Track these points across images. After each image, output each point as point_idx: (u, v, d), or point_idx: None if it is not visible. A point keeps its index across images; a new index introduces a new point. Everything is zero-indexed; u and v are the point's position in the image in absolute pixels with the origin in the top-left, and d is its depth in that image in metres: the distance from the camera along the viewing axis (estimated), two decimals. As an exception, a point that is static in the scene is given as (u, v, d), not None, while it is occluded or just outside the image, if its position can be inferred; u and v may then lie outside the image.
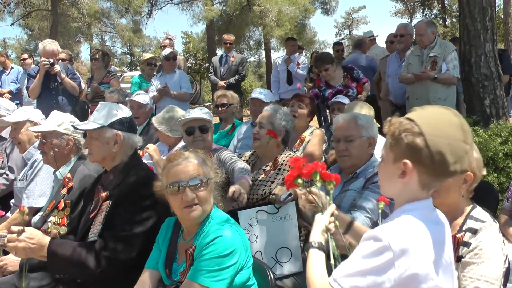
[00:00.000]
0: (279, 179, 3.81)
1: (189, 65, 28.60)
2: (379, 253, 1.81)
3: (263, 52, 33.16)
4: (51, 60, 7.28)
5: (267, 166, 4.01)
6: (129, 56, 47.43)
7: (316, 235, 2.06)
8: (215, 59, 10.08)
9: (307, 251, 2.01)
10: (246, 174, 3.79)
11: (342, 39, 48.04)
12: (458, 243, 2.58)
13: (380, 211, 2.77)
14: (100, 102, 3.45)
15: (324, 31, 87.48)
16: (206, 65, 27.21)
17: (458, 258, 2.54)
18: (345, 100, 6.00)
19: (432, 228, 1.92)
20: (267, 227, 3.41)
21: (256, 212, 3.43)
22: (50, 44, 7.61)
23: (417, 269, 1.81)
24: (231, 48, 10.02)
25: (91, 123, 3.21)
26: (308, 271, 1.95)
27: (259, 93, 5.98)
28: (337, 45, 11.38)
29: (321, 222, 2.11)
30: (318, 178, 2.22)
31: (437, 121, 1.93)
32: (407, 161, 1.91)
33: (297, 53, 10.24)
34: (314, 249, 2.01)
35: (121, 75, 9.81)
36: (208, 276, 2.38)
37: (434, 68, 6.34)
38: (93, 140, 3.19)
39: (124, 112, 3.31)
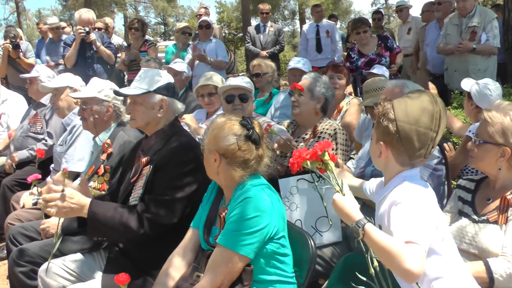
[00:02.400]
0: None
1: (223, 34, 28.51)
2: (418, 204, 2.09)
3: (298, 22, 32.81)
4: (87, 29, 7.29)
5: (306, 134, 3.96)
6: (163, 26, 47.39)
7: (358, 214, 2.06)
8: (252, 29, 10.00)
9: (358, 233, 2.00)
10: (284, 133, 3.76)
11: (379, 8, 47.17)
12: (507, 205, 2.62)
13: None
14: (143, 68, 3.43)
15: (360, 0, 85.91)
16: (241, 34, 26.98)
17: (507, 220, 2.58)
18: (380, 71, 5.88)
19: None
20: (307, 196, 3.37)
21: (297, 180, 3.39)
22: (86, 13, 7.64)
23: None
24: (268, 17, 9.90)
25: (136, 88, 3.18)
26: (379, 243, 1.95)
27: (297, 62, 5.92)
28: (376, 14, 11.13)
29: (351, 201, 2.13)
30: (326, 157, 2.17)
31: (411, 108, 2.17)
32: (382, 143, 2.23)
33: (325, 21, 10.08)
34: (368, 224, 2.00)
35: (155, 45, 9.77)
36: (234, 239, 2.37)
37: (474, 38, 6.16)
38: (138, 105, 3.16)
39: (167, 77, 3.29)
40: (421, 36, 7.93)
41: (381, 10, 43.88)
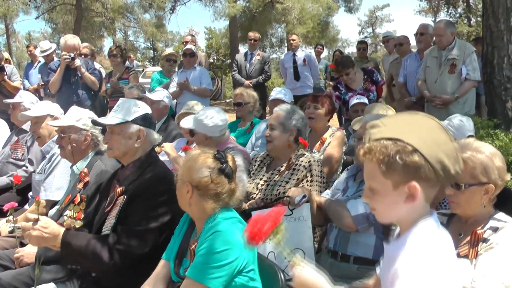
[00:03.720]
0: (293, 179, 3.82)
1: (212, 61, 28.68)
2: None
3: (286, 50, 33.13)
4: (72, 54, 7.34)
5: (282, 166, 4.01)
6: (152, 51, 47.63)
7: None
8: (239, 56, 10.08)
9: None
10: None
11: (366, 37, 47.73)
12: (478, 239, 2.63)
13: None
14: (121, 98, 3.48)
15: (348, 29, 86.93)
16: (229, 61, 27.24)
17: (477, 254, 2.59)
18: (366, 101, 5.99)
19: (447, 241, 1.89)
20: (281, 228, 3.42)
21: (269, 213, 3.43)
22: (72, 39, 7.73)
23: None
24: (256, 45, 9.98)
25: (114, 118, 3.23)
26: None
27: (278, 92, 6.00)
28: (361, 44, 11.30)
29: (313, 275, 2.01)
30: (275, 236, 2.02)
31: (418, 131, 1.82)
32: (414, 182, 1.77)
33: (301, 50, 10.44)
34: None
35: (143, 69, 9.89)
36: (204, 272, 2.39)
37: (453, 71, 6.23)
38: (115, 135, 3.21)
39: (145, 108, 3.34)
40: (394, 69, 8.08)
41: (368, 38, 44.46)
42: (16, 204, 3.98)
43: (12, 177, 5.26)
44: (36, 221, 2.86)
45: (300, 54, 10.11)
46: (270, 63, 10.39)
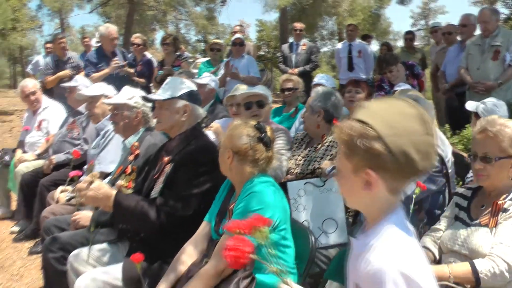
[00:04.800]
0: (327, 155, 4.02)
1: (262, 53, 28.87)
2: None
3: (336, 42, 32.98)
4: (122, 63, 7.87)
5: (318, 144, 4.25)
6: (203, 43, 48.17)
7: None
8: (285, 47, 10.17)
9: None
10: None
11: (418, 29, 46.86)
12: (498, 210, 2.79)
13: (414, 196, 3.02)
14: (169, 77, 3.76)
15: (400, 21, 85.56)
16: (279, 53, 27.37)
17: (497, 223, 2.75)
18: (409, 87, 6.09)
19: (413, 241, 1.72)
20: (313, 199, 3.65)
21: (304, 184, 3.67)
22: (109, 28, 8.20)
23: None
24: (301, 35, 10.03)
25: (163, 94, 3.52)
26: None
27: (320, 78, 6.21)
28: (408, 34, 11.18)
29: None
30: (260, 235, 1.90)
31: (392, 117, 1.68)
32: (370, 170, 1.67)
33: (358, 40, 10.28)
34: None
35: (193, 61, 10.14)
36: None
37: (497, 57, 6.26)
38: (164, 110, 3.49)
39: (191, 85, 3.61)
40: (438, 59, 8.05)
41: (421, 31, 43.46)
42: (81, 173, 4.31)
43: (68, 154, 5.68)
44: (90, 183, 3.17)
45: (356, 45, 10.04)
46: (318, 53, 10.40)
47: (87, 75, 7.84)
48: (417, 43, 14.68)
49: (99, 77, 7.64)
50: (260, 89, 4.61)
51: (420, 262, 1.64)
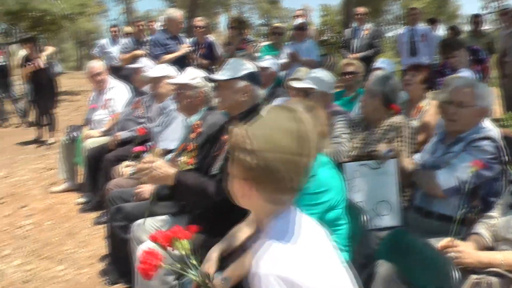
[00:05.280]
0: (384, 139, 4.09)
1: (326, 38, 28.67)
2: None
3: (402, 27, 32.32)
4: (192, 48, 8.28)
5: (375, 128, 4.29)
6: (266, 27, 48.23)
7: None
8: (348, 32, 10.08)
9: None
10: None
11: (489, 13, 45.18)
12: None
13: (470, 173, 3.10)
14: (231, 59, 3.88)
15: (470, 4, 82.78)
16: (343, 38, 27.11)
17: None
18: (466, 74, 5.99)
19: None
20: (368, 180, 3.71)
21: (360, 165, 3.73)
22: (175, 12, 8.60)
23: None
24: (364, 20, 9.81)
25: (224, 74, 3.63)
26: None
27: (381, 62, 6.21)
28: (475, 17, 10.73)
29: None
30: (180, 246, 1.94)
31: (270, 132, 1.68)
32: (244, 182, 1.71)
33: (420, 24, 10.07)
34: None
35: (256, 45, 10.25)
36: (302, 209, 2.69)
37: None
38: (225, 90, 3.61)
39: (251, 67, 3.71)
40: (507, 43, 7.82)
41: (492, 14, 41.82)
42: (145, 148, 4.50)
43: (132, 132, 5.93)
44: (151, 162, 3.33)
45: (419, 29, 9.80)
46: (381, 38, 10.24)
47: (155, 56, 8.12)
48: (487, 27, 14.21)
49: (170, 59, 7.94)
50: (313, 82, 4.68)
51: (301, 264, 1.64)
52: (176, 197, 3.55)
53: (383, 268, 2.85)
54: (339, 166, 3.60)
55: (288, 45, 8.60)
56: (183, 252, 1.93)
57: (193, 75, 4.44)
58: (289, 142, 1.65)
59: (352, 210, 3.04)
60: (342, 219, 2.90)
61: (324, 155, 3.00)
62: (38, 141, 10.74)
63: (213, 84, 4.27)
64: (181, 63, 7.76)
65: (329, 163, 2.96)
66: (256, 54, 8.55)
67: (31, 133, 11.24)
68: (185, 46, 8.31)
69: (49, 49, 10.82)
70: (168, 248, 1.95)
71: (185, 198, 3.53)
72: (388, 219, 3.65)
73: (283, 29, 9.42)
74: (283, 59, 8.09)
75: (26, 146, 10.64)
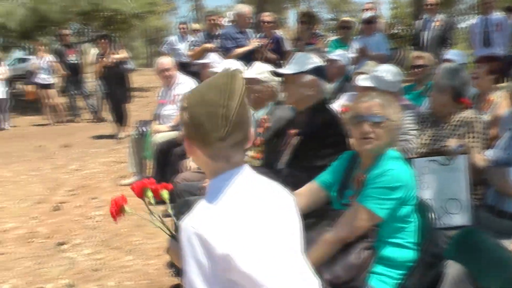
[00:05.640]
0: (454, 134, 3.95)
1: (396, 31, 28.14)
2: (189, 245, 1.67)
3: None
4: (262, 43, 8.30)
5: (444, 123, 4.15)
6: (335, 22, 47.86)
7: None
8: (418, 23, 9.66)
9: None
10: None
11: None
12: None
13: None
14: (297, 53, 3.86)
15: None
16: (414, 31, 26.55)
17: None
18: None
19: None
20: (438, 177, 3.59)
21: (429, 161, 3.62)
22: (245, 8, 8.77)
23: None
24: (435, 10, 9.31)
25: (291, 69, 3.63)
26: None
27: (452, 54, 6.02)
28: None
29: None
30: (150, 195, 2.15)
31: (202, 89, 1.80)
32: (186, 138, 1.81)
33: (495, 13, 9.59)
34: None
35: (326, 39, 10.20)
36: (375, 202, 2.66)
37: None
38: (291, 84, 3.62)
39: (318, 61, 3.68)
40: None
41: None
42: None
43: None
44: None
45: (494, 19, 9.29)
46: (453, 29, 9.74)
47: (226, 49, 8.27)
48: None
49: (241, 53, 8.07)
50: (374, 81, 4.56)
51: (221, 226, 1.67)
52: None
53: (452, 268, 2.77)
54: (407, 162, 3.53)
55: (357, 39, 8.47)
56: (150, 201, 2.13)
57: (261, 70, 4.46)
58: (213, 95, 1.73)
59: (421, 207, 2.95)
60: (411, 216, 2.83)
61: (395, 150, 2.94)
62: (109, 136, 11.11)
63: (280, 78, 4.27)
64: (250, 58, 7.78)
65: (401, 157, 2.89)
66: (325, 49, 8.48)
67: (102, 128, 11.63)
68: (255, 41, 8.36)
69: (123, 53, 11.09)
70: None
71: None
72: (457, 218, 3.53)
73: (351, 23, 9.29)
74: (352, 54, 7.99)
75: (97, 140, 11.02)
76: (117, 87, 10.87)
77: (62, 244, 5.15)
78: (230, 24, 10.32)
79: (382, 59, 7.74)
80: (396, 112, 2.86)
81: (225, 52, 8.26)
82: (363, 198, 2.71)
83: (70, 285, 4.25)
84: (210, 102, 1.72)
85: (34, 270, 4.60)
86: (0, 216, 6.19)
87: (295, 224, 1.93)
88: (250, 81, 4.42)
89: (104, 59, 10.73)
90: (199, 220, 1.68)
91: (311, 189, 3.10)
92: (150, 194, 2.15)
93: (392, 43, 17.78)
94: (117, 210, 2.12)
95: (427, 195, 3.53)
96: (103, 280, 4.31)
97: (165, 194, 2.18)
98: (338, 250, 2.70)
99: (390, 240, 2.76)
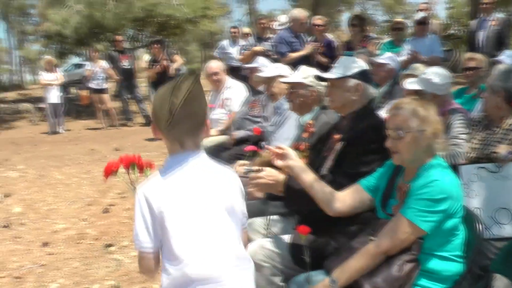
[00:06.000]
0: (506, 139, 3.81)
1: (452, 31, 27.56)
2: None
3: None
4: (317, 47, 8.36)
5: (496, 127, 4.01)
6: (389, 24, 47.26)
7: None
8: (473, 23, 9.40)
9: None
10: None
11: None
12: None
13: None
14: (341, 56, 3.80)
15: None
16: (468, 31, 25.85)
17: None
18: None
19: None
20: (487, 185, 3.47)
21: (477, 168, 3.50)
22: (301, 12, 8.76)
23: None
24: (491, 9, 9.01)
25: (335, 73, 3.57)
26: None
27: (505, 55, 5.82)
28: None
29: None
30: (135, 169, 2.76)
31: (165, 85, 2.35)
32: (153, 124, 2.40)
33: None
34: None
35: (379, 42, 10.07)
36: (418, 214, 2.57)
37: None
38: (335, 88, 3.56)
39: (362, 64, 3.61)
40: None
41: None
42: (257, 148, 4.55)
43: (248, 131, 6.01)
44: (260, 171, 3.34)
45: None
46: (510, 29, 9.19)
47: (280, 54, 8.25)
48: None
49: (295, 57, 8.08)
50: (423, 84, 4.47)
51: (160, 192, 2.27)
52: (286, 202, 3.53)
53: (500, 282, 2.66)
54: (454, 168, 3.41)
55: (409, 41, 8.31)
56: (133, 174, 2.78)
57: (306, 74, 4.41)
58: (164, 92, 2.30)
59: (468, 217, 2.84)
60: (458, 228, 2.72)
61: (440, 157, 2.83)
62: (161, 139, 11.16)
63: (326, 83, 4.21)
64: (305, 62, 7.73)
65: (447, 167, 2.78)
66: (377, 52, 8.36)
67: (153, 132, 11.71)
68: (310, 45, 8.31)
69: (179, 61, 11.19)
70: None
71: (295, 203, 3.49)
72: (508, 229, 3.40)
73: (404, 24, 9.14)
74: (403, 56, 7.84)
75: (149, 144, 11.20)
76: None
77: (109, 246, 5.27)
78: (281, 28, 10.32)
79: (435, 63, 7.54)
80: (425, 121, 2.72)
81: (280, 56, 8.24)
82: (406, 210, 2.63)
83: (116, 286, 4.34)
84: (162, 97, 2.29)
85: (81, 270, 4.73)
86: (52, 217, 6.40)
87: (232, 201, 2.43)
88: (296, 86, 4.39)
89: (158, 66, 10.87)
90: (147, 186, 2.32)
91: (355, 190, 3.06)
92: (135, 168, 2.77)
93: (447, 45, 17.40)
94: (110, 171, 2.82)
95: (475, 204, 3.42)
96: (148, 282, 4.36)
97: (147, 172, 2.79)
98: (378, 261, 2.63)
99: (435, 253, 2.68)
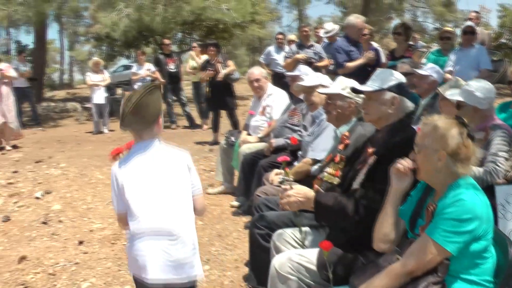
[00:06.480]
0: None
1: (504, 41, 26.86)
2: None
3: None
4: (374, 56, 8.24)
5: None
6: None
7: None
8: None
9: None
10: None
11: None
12: None
13: None
14: (378, 69, 3.76)
15: None
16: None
17: None
18: None
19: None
20: (525, 207, 3.33)
21: (515, 189, 3.37)
22: (358, 18, 8.51)
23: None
24: None
25: (371, 85, 3.54)
26: None
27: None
28: None
29: None
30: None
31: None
32: None
33: None
34: None
35: (426, 51, 9.93)
36: (443, 234, 2.51)
37: None
38: (372, 101, 3.51)
39: (399, 77, 3.57)
40: None
41: None
42: (289, 158, 4.56)
43: (287, 139, 6.00)
44: (290, 189, 3.42)
45: None
46: None
47: (339, 65, 8.21)
48: None
49: (354, 67, 7.99)
50: (464, 95, 4.37)
51: (121, 169, 3.05)
52: (316, 218, 3.53)
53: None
54: (490, 189, 3.32)
55: (455, 51, 8.15)
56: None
57: (344, 85, 4.37)
58: (124, 99, 3.03)
59: (500, 240, 2.75)
60: (488, 251, 2.63)
61: (470, 177, 2.75)
62: (203, 143, 11.41)
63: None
64: (364, 70, 7.69)
65: (476, 187, 2.69)
66: (422, 62, 8.23)
67: (197, 135, 11.83)
68: (369, 54, 8.19)
69: (231, 66, 11.25)
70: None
71: (325, 219, 3.50)
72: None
73: (452, 33, 8.96)
74: (449, 67, 7.70)
75: (191, 147, 11.26)
76: (222, 95, 11.12)
77: (142, 248, 5.33)
78: (327, 35, 10.33)
79: (481, 75, 7.39)
80: (441, 141, 2.66)
81: (338, 66, 8.18)
82: (432, 230, 2.58)
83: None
84: (122, 102, 3.01)
85: (114, 271, 4.82)
86: (89, 216, 6.53)
87: (177, 174, 3.11)
88: (333, 97, 4.36)
89: (212, 71, 10.94)
90: (115, 165, 3.07)
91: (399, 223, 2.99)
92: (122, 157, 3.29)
93: (497, 55, 16.99)
94: (116, 154, 3.59)
95: (511, 226, 3.31)
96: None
97: None
98: (403, 282, 2.58)
99: (462, 276, 2.61)
